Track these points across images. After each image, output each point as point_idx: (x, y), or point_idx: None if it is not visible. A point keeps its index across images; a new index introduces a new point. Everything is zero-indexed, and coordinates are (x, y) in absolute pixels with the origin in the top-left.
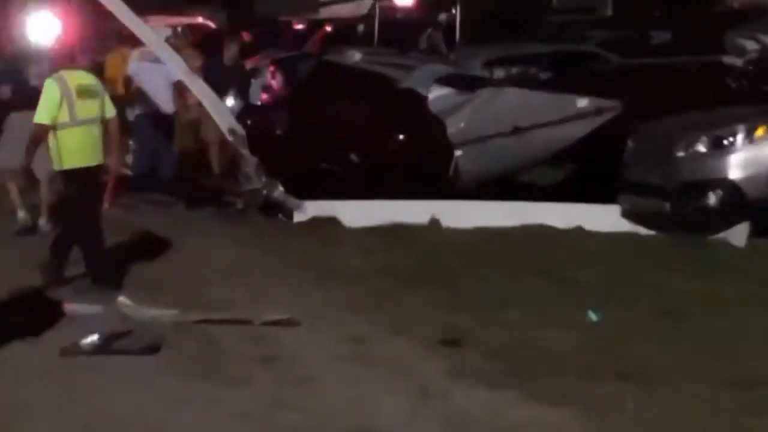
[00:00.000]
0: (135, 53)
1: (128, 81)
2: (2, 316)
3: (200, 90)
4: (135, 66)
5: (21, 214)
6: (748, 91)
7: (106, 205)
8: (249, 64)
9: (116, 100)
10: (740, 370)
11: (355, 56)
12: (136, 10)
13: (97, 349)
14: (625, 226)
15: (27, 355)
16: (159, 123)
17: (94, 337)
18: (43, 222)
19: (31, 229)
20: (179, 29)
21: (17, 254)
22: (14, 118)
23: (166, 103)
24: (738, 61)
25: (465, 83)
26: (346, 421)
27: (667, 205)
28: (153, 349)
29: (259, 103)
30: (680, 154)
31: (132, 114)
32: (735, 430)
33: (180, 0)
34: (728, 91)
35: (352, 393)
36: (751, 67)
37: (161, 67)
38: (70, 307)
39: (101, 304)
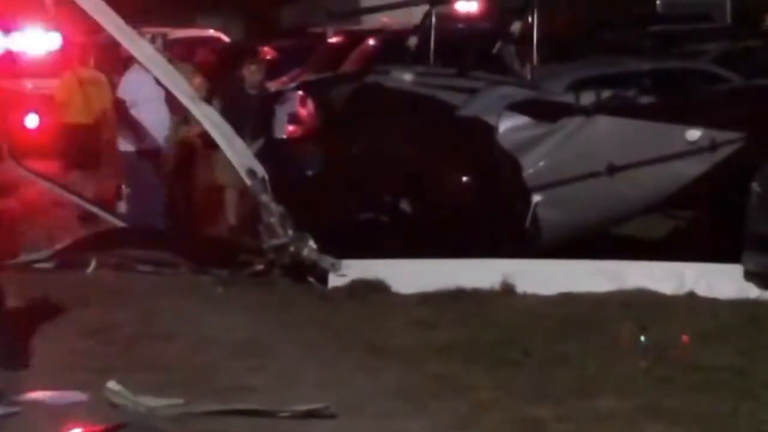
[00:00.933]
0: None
1: (117, 105)
2: None
3: (209, 119)
4: (131, 80)
5: None
6: None
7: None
8: (272, 87)
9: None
10: None
11: (406, 77)
12: (134, 21)
13: None
14: (752, 291)
15: None
16: (157, 159)
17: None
18: None
19: None
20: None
21: None
22: None
23: (165, 132)
24: None
25: (545, 110)
26: None
27: None
28: None
29: (284, 136)
30: None
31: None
32: None
33: (191, 9)
34: None
35: None
36: None
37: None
38: (43, 395)
39: (83, 391)
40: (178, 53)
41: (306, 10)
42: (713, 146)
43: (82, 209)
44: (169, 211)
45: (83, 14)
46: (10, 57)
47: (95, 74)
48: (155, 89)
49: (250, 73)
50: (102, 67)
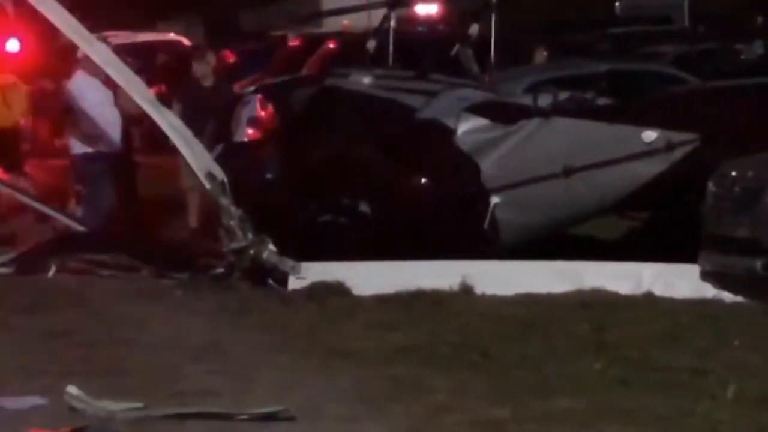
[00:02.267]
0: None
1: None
2: None
3: (166, 122)
4: (79, 83)
5: None
6: None
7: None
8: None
9: None
10: None
11: (365, 80)
12: (95, 26)
13: None
14: (707, 290)
15: None
16: (110, 161)
17: None
18: None
19: None
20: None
21: None
22: None
23: (117, 135)
24: None
25: (503, 113)
26: None
27: (759, 264)
28: None
29: (245, 139)
30: None
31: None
32: None
33: (153, 13)
34: None
35: None
36: None
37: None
38: (1, 400)
39: (43, 395)
40: (140, 57)
41: (267, 13)
42: (670, 147)
43: (39, 212)
44: (125, 214)
45: (42, 19)
46: None
47: (14, 80)
48: (104, 92)
49: (198, 66)
50: (56, 73)
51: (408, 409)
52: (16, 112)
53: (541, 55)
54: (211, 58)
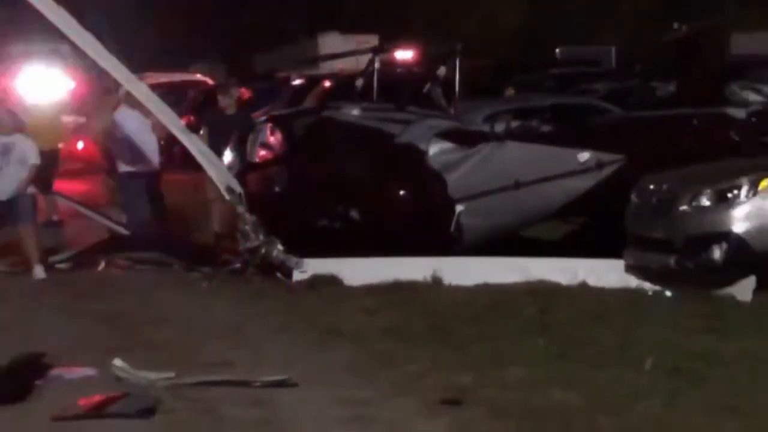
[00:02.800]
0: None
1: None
2: None
3: (194, 145)
4: (123, 114)
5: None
6: (752, 143)
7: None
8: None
9: None
10: (745, 430)
11: (354, 112)
12: (138, 68)
13: (91, 413)
14: (630, 281)
15: (16, 423)
16: (148, 179)
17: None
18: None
19: None
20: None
21: (9, 316)
22: None
23: (154, 156)
24: (741, 113)
25: (465, 138)
26: None
27: (672, 260)
28: (147, 412)
29: (257, 160)
30: (684, 207)
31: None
32: None
33: (184, 58)
34: (732, 143)
35: None
36: (754, 119)
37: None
38: (60, 371)
39: (94, 367)
40: (172, 93)
41: (275, 58)
42: (599, 166)
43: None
44: (162, 220)
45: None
46: None
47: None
48: (144, 122)
49: (223, 98)
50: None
51: (390, 377)
52: (60, 138)
53: (509, 92)
54: (234, 92)
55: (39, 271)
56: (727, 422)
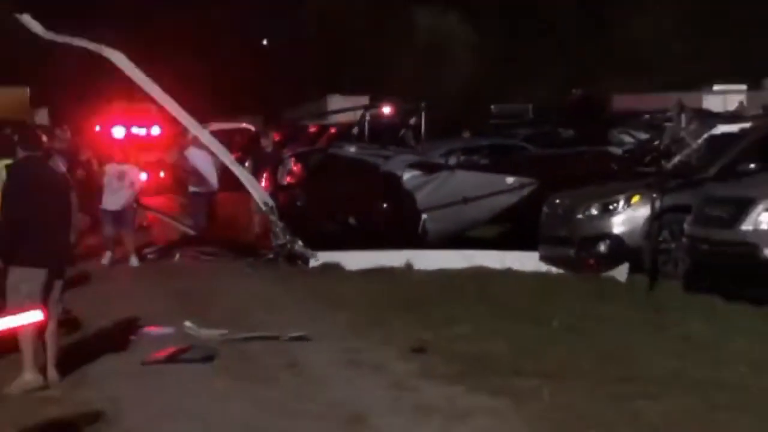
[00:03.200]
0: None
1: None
2: (97, 336)
3: (241, 173)
4: (192, 152)
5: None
6: (626, 171)
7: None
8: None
9: None
10: (622, 371)
11: (352, 149)
12: (202, 119)
13: (168, 359)
14: (543, 267)
15: (117, 363)
16: (208, 197)
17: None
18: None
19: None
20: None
21: (107, 289)
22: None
23: (213, 181)
24: (618, 151)
25: (428, 168)
26: (344, 409)
27: (572, 252)
28: (208, 359)
29: (285, 183)
30: (579, 216)
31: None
32: (622, 411)
33: (232, 111)
34: (612, 171)
35: (347, 388)
36: (627, 155)
37: (208, 155)
38: (148, 329)
39: (171, 327)
40: (226, 136)
41: (297, 112)
42: (521, 186)
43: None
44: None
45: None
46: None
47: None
48: (207, 157)
49: (264, 140)
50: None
51: (377, 333)
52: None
53: (466, 133)
54: (270, 136)
55: (134, 261)
56: (607, 364)
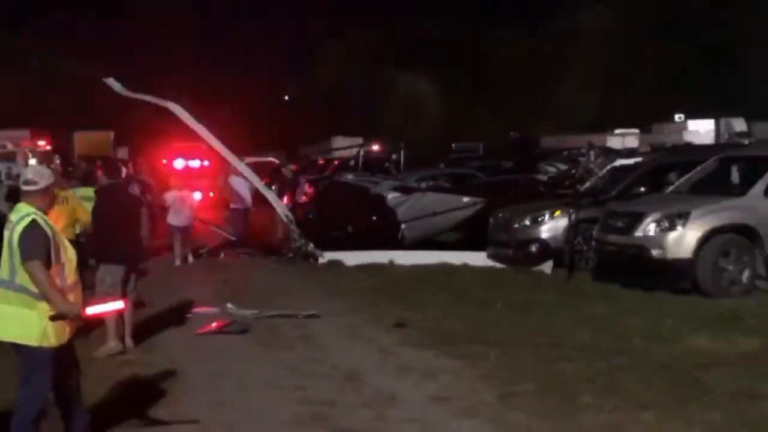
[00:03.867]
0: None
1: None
2: (162, 314)
3: (269, 194)
4: (233, 179)
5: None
6: (550, 193)
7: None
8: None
9: None
10: (548, 340)
11: (350, 177)
12: (241, 153)
13: (215, 330)
14: (490, 263)
15: (176, 334)
16: (244, 212)
17: (212, 325)
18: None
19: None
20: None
21: (171, 280)
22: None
23: (248, 200)
24: (544, 178)
25: (406, 190)
26: (343, 368)
27: (511, 252)
28: (244, 331)
29: (301, 201)
30: (516, 225)
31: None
32: (551, 370)
33: (260, 149)
34: (540, 193)
35: (346, 353)
36: (551, 181)
37: (244, 180)
38: (199, 309)
39: (217, 307)
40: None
41: (311, 148)
42: (474, 204)
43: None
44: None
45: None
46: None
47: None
48: (244, 183)
49: (285, 170)
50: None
51: (369, 312)
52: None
53: (442, 165)
54: (290, 167)
55: (191, 259)
56: (537, 335)
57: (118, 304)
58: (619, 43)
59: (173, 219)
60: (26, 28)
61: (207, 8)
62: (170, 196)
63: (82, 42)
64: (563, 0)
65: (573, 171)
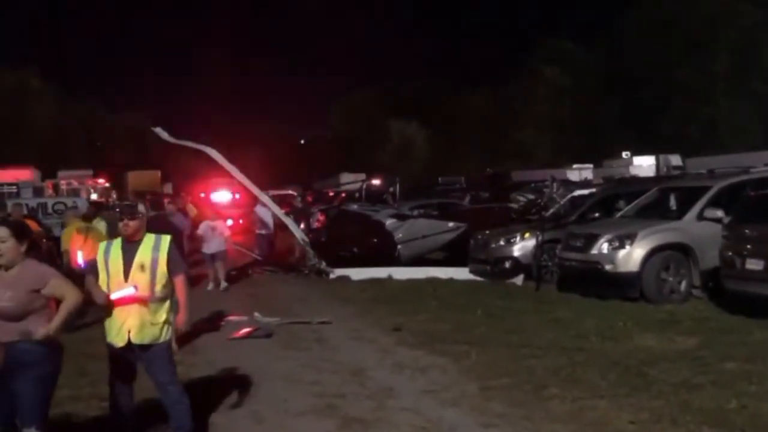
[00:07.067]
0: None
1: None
2: (200, 323)
3: (287, 221)
4: (258, 209)
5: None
6: (520, 218)
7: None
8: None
9: None
10: (520, 340)
11: (355, 207)
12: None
13: (244, 336)
14: (471, 277)
15: (213, 339)
16: (268, 237)
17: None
18: (223, 284)
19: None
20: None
21: (207, 295)
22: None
23: (271, 227)
24: (515, 206)
25: (401, 217)
26: (350, 366)
27: (488, 268)
28: (269, 335)
29: (315, 227)
30: (493, 245)
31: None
32: (522, 366)
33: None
34: (512, 218)
35: (353, 353)
36: (521, 208)
37: (268, 210)
38: (232, 317)
39: (247, 316)
40: (279, 198)
41: (322, 182)
42: (457, 228)
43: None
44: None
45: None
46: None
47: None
48: (268, 212)
49: (295, 202)
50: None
51: (371, 318)
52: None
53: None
54: (306, 198)
55: (224, 284)
56: (510, 336)
57: (129, 290)
58: (570, 96)
59: (205, 247)
60: (93, 95)
61: (245, 69)
62: (203, 227)
63: (135, 98)
64: (524, 62)
65: (539, 200)
